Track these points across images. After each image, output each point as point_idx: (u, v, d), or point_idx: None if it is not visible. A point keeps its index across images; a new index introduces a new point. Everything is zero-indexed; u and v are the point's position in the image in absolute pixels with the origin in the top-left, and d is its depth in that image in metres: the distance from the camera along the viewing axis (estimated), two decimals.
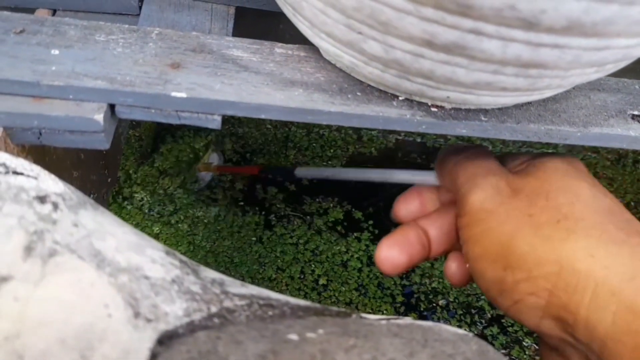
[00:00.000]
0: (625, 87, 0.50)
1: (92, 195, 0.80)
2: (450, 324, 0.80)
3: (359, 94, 0.45)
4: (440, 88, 0.40)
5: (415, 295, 0.85)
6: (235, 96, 0.43)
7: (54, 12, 0.52)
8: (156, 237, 0.89)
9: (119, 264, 0.33)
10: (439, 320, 0.82)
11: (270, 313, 0.36)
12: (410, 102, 0.45)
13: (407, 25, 0.32)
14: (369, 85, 0.46)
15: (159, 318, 0.31)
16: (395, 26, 0.33)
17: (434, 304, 0.81)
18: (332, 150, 0.98)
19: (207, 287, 0.36)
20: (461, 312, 0.81)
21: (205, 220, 0.93)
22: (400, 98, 0.45)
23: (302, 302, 0.38)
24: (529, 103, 0.47)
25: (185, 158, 0.95)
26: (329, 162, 0.98)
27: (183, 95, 0.42)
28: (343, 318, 0.37)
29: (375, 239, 0.93)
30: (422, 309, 0.83)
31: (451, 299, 0.81)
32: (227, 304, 0.35)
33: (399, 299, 0.85)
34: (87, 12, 0.53)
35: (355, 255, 0.90)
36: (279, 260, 0.87)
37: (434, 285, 0.83)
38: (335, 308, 0.38)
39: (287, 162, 0.96)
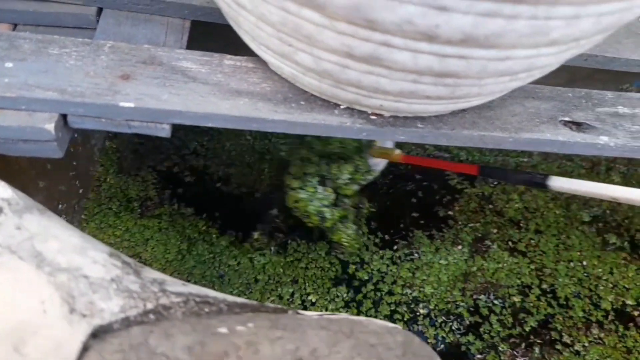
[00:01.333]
0: (559, 95, 0.54)
1: (60, 205, 0.82)
2: (429, 332, 0.83)
3: (302, 102, 0.48)
4: (372, 97, 0.43)
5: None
6: (181, 106, 0.46)
7: (15, 27, 0.55)
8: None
9: (59, 264, 0.35)
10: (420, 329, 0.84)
11: (206, 309, 0.38)
12: (351, 110, 0.48)
13: (326, 38, 0.36)
14: (312, 95, 0.49)
15: (94, 314, 0.34)
16: (317, 39, 0.36)
17: (416, 313, 0.84)
18: None
19: (145, 286, 0.38)
20: (441, 320, 0.84)
21: None
22: (341, 107, 0.48)
23: (240, 300, 0.40)
24: (465, 110, 0.50)
25: None
26: None
27: (131, 105, 0.45)
28: (278, 314, 0.39)
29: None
30: (405, 319, 0.86)
31: (432, 307, 0.83)
32: (164, 301, 0.37)
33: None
34: (47, 26, 0.56)
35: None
36: None
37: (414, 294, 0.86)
38: (272, 305, 0.40)
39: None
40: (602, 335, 0.87)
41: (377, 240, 0.94)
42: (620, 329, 0.89)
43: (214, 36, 0.58)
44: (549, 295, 0.90)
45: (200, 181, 0.98)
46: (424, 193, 1.02)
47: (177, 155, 1.01)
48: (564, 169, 1.11)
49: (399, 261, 0.91)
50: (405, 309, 0.86)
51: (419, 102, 0.43)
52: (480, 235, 0.97)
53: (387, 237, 0.94)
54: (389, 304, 0.87)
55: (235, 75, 0.49)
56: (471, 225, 0.99)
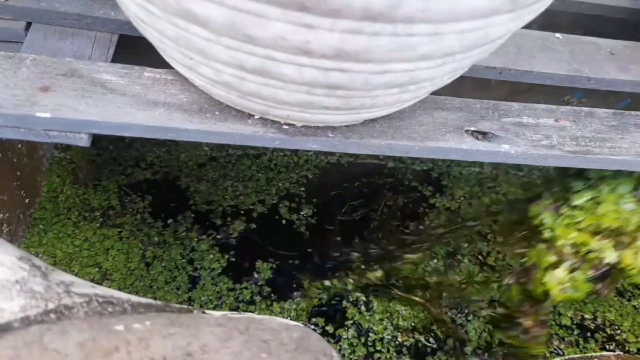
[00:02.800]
0: (467, 106, 0.58)
1: (2, 215, 0.84)
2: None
3: (217, 113, 0.52)
4: (277, 107, 0.47)
5: None
6: (98, 116, 0.49)
7: None
8: None
9: None
10: None
11: (110, 309, 0.41)
12: (264, 120, 0.52)
13: (217, 52, 0.39)
14: (227, 105, 0.52)
15: None
16: (210, 53, 0.40)
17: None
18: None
19: (51, 287, 0.41)
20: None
21: None
22: (255, 117, 0.52)
23: (145, 300, 0.43)
24: (375, 121, 0.54)
25: None
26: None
27: (47, 115, 0.48)
28: (181, 313, 0.42)
29: None
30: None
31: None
32: (66, 301, 0.40)
33: None
34: None
35: None
36: None
37: None
38: (178, 305, 0.43)
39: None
40: (562, 346, 0.91)
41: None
42: (581, 341, 0.93)
43: (142, 49, 0.61)
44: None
45: (160, 191, 1.01)
46: (400, 200, 1.05)
47: (135, 166, 1.04)
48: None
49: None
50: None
51: (321, 113, 0.47)
52: (452, 249, 1.00)
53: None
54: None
55: (154, 86, 0.52)
56: (443, 239, 1.02)
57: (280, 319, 0.43)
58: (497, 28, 0.39)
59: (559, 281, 0.76)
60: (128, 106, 0.50)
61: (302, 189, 1.04)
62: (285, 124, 0.51)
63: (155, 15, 0.39)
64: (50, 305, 0.39)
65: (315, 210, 1.01)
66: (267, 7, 0.33)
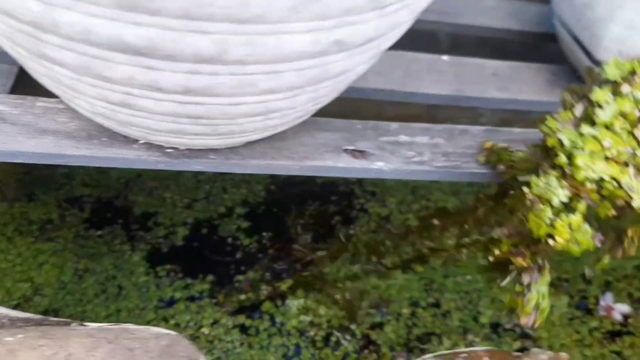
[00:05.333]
0: (348, 127, 0.65)
1: None
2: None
3: (104, 139, 0.58)
4: (153, 134, 0.53)
5: None
6: None
7: None
8: None
9: None
10: None
11: None
12: (149, 144, 0.58)
13: (83, 89, 0.46)
14: (115, 132, 0.58)
15: None
16: (78, 89, 0.46)
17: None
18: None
19: None
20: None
21: None
22: (140, 142, 0.58)
23: (24, 315, 0.48)
24: (256, 142, 0.61)
25: None
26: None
27: None
28: (57, 326, 0.48)
29: None
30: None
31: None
32: None
33: None
34: None
35: None
36: None
37: None
38: (56, 319, 0.49)
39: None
40: (476, 340, 0.99)
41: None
42: (494, 337, 1.01)
43: None
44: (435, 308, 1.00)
45: (99, 204, 1.05)
46: (330, 209, 1.11)
47: (70, 180, 1.07)
48: None
49: None
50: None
51: (196, 138, 0.54)
52: (378, 255, 1.07)
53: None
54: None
55: (46, 115, 0.58)
56: (369, 245, 1.09)
57: (154, 329, 0.49)
58: (335, 65, 0.47)
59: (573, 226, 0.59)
60: (19, 135, 0.56)
61: (244, 200, 1.09)
62: (169, 147, 0.58)
63: (24, 56, 0.45)
64: None
65: (251, 221, 1.06)
66: (111, 53, 0.40)
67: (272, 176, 1.15)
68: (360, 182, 1.18)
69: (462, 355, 0.61)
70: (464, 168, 0.64)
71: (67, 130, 0.58)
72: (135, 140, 0.58)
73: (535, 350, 0.69)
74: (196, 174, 1.12)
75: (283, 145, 0.62)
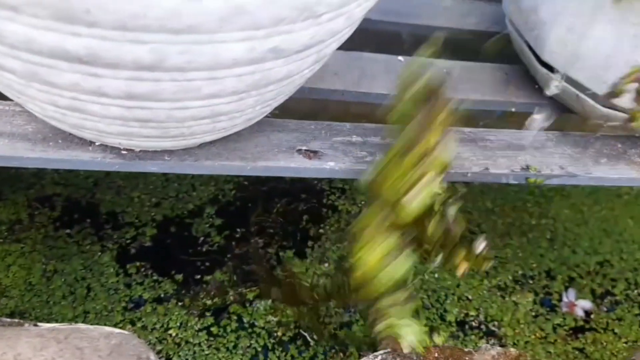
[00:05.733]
0: (303, 128, 0.68)
1: None
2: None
3: (60, 141, 0.60)
4: (106, 137, 0.56)
5: None
6: None
7: None
8: None
9: None
10: None
11: None
12: (104, 147, 0.60)
13: (33, 94, 0.48)
14: (70, 134, 0.60)
15: None
16: (27, 93, 0.48)
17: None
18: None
19: None
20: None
21: None
22: (96, 144, 0.60)
23: None
24: (212, 143, 0.63)
25: None
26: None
27: None
28: (10, 327, 0.50)
29: None
30: None
31: None
32: None
33: None
34: None
35: None
36: None
37: None
38: (9, 319, 0.51)
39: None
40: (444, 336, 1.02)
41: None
42: (460, 335, 1.04)
43: None
44: None
45: (68, 204, 1.06)
46: (298, 208, 1.14)
47: (40, 180, 1.09)
48: None
49: None
50: None
51: (148, 140, 0.56)
52: (345, 253, 1.10)
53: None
54: None
55: (1, 118, 0.60)
56: (339, 244, 1.12)
57: (106, 328, 0.52)
58: (276, 70, 0.49)
59: None
60: None
61: (213, 198, 1.11)
62: (124, 149, 0.60)
63: None
64: None
65: (219, 219, 1.08)
66: (55, 61, 0.42)
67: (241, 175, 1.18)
68: (329, 180, 1.21)
69: (415, 352, 0.64)
70: None
71: (23, 133, 0.60)
72: (91, 143, 0.60)
73: (485, 346, 0.72)
74: (165, 172, 1.15)
75: (237, 146, 0.64)
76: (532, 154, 0.73)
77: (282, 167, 0.63)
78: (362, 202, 1.18)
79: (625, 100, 0.71)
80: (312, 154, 0.66)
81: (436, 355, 0.65)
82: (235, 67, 0.46)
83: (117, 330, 0.52)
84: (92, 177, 1.12)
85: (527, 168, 0.71)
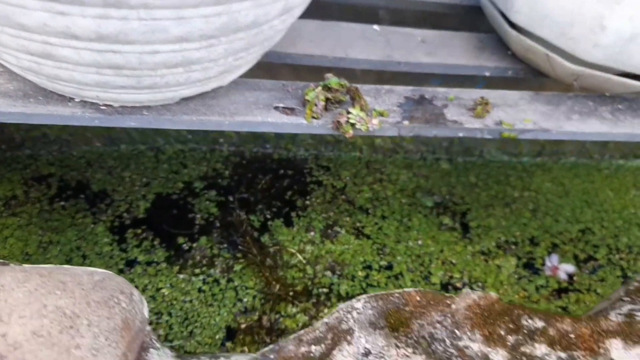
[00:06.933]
0: (278, 87, 0.68)
1: None
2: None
3: (40, 98, 0.60)
4: (84, 89, 0.55)
5: None
6: None
7: None
8: None
9: None
10: None
11: None
12: (84, 102, 0.60)
13: (6, 41, 0.47)
14: (51, 91, 0.60)
15: None
16: (2, 41, 0.48)
17: None
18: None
19: None
20: None
21: None
22: (76, 100, 0.60)
23: None
24: (189, 99, 0.63)
25: None
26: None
27: None
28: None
29: None
30: None
31: None
32: None
33: None
34: None
35: None
36: None
37: None
38: (1, 260, 0.50)
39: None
40: None
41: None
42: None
43: None
44: (387, 271, 1.03)
45: (62, 181, 1.06)
46: (285, 184, 1.13)
47: (36, 161, 1.09)
48: (406, 162, 1.25)
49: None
50: None
51: (125, 92, 0.56)
52: (331, 222, 1.09)
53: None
54: None
55: None
56: (324, 215, 1.11)
57: (89, 268, 0.51)
58: (244, 14, 0.49)
59: None
60: None
61: (203, 175, 1.11)
62: (104, 105, 0.60)
63: None
64: None
65: (209, 194, 1.08)
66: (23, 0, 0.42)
67: (232, 153, 1.18)
68: (316, 157, 1.21)
69: (396, 295, 0.64)
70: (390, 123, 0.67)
71: (4, 91, 0.59)
72: (71, 99, 0.60)
73: (466, 291, 0.71)
74: (157, 153, 1.14)
75: (215, 103, 0.64)
76: (506, 111, 0.73)
77: (260, 122, 0.63)
78: (347, 178, 1.18)
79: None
80: (289, 110, 0.65)
81: (418, 299, 0.64)
82: (201, 6, 0.45)
83: (101, 270, 0.51)
84: (85, 158, 1.12)
85: (500, 123, 0.71)
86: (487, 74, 0.80)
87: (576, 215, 1.22)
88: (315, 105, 0.63)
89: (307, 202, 1.11)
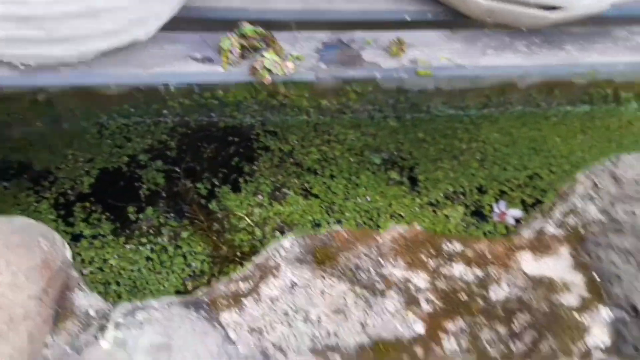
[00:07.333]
0: (196, 40, 0.70)
1: None
2: None
3: None
4: None
5: None
6: None
7: None
8: None
9: None
10: None
11: None
12: (2, 63, 0.62)
13: None
14: None
15: None
16: None
17: None
18: None
19: None
20: None
21: None
22: None
23: None
24: (108, 55, 0.65)
25: None
26: None
27: None
28: None
29: None
30: None
31: None
32: None
33: None
34: None
35: None
36: None
37: None
38: None
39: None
40: None
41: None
42: None
43: None
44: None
45: (1, 166, 1.05)
46: (231, 151, 1.14)
47: None
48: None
49: None
50: None
51: (37, 47, 0.58)
52: (279, 185, 1.11)
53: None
54: None
55: None
56: (272, 178, 1.13)
57: (11, 216, 0.53)
58: None
59: None
60: None
61: (147, 148, 1.12)
62: (22, 64, 0.62)
63: None
64: None
65: (154, 165, 1.09)
66: None
67: (177, 124, 1.19)
68: (262, 123, 1.23)
69: (324, 234, 0.67)
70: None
71: None
72: None
73: (393, 226, 0.75)
74: (100, 129, 1.15)
75: (133, 56, 0.66)
76: (422, 50, 0.77)
77: (179, 72, 0.66)
78: (295, 141, 1.20)
79: None
80: (207, 60, 0.68)
81: (346, 236, 0.67)
82: None
83: (21, 217, 0.53)
84: (27, 139, 1.12)
85: (416, 62, 0.74)
86: (408, 18, 0.84)
87: (524, 163, 1.26)
88: (231, 52, 0.65)
89: (255, 167, 1.14)
